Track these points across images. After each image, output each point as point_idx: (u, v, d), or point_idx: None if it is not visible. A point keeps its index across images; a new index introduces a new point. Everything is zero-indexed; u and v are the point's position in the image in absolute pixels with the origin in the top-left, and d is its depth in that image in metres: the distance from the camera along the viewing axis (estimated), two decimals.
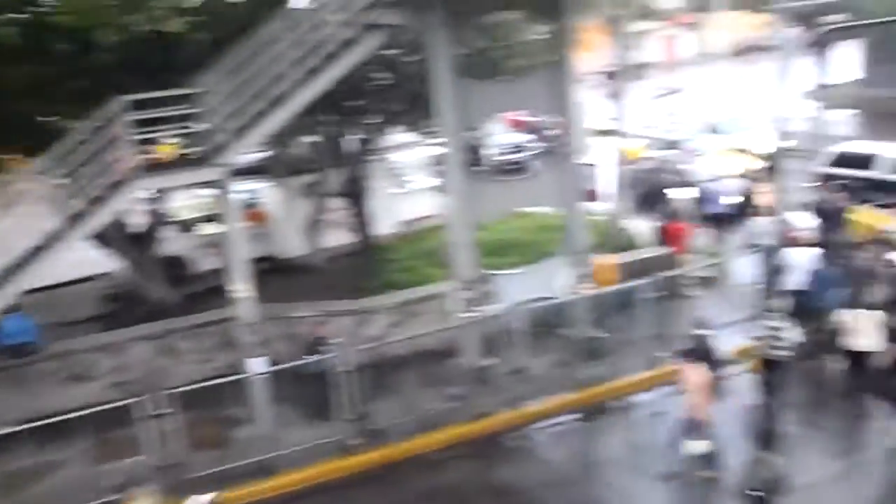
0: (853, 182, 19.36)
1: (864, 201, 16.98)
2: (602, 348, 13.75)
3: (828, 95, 38.16)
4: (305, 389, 12.12)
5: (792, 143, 24.94)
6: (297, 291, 16.22)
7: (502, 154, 26.86)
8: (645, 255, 16.82)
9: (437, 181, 21.09)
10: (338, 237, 18.63)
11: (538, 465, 11.87)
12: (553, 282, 14.08)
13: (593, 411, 12.83)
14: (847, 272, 13.46)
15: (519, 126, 28.42)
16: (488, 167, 26.24)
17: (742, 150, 23.62)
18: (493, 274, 14.16)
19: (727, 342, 11.86)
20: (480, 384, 13.12)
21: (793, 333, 11.50)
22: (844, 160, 20.66)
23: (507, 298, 13.74)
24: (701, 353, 11.39)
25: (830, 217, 16.23)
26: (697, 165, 21.34)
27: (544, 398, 12.98)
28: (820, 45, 33.35)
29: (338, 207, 18.30)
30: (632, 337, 13.74)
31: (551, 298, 13.84)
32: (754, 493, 8.51)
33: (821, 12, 34.49)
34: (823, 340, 12.31)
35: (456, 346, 13.60)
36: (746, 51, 48.76)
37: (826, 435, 11.60)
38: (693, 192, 18.90)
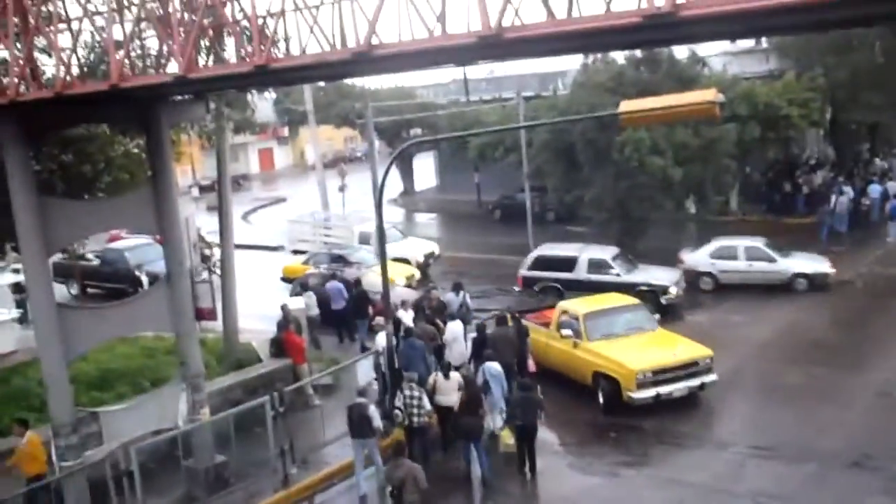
0: (553, 283, 21.30)
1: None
2: (230, 475, 12.90)
3: (411, 201, 42.38)
4: None
5: (416, 246, 26.88)
6: None
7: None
8: (265, 370, 16.42)
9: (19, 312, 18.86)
10: None
11: None
12: (169, 410, 12.95)
13: None
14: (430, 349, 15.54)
15: None
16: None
17: (399, 259, 24.57)
18: (98, 411, 12.64)
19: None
20: None
21: (426, 401, 12.99)
22: (543, 263, 22.22)
23: (118, 436, 12.30)
24: (360, 420, 12.22)
25: (422, 309, 18.01)
26: (366, 276, 21.70)
27: None
28: (402, 156, 36.82)
29: None
30: (260, 457, 13.13)
31: (170, 429, 12.70)
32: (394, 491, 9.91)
33: (400, 127, 38.38)
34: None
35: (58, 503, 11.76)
36: (337, 161, 51.99)
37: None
38: (304, 302, 19.03)
